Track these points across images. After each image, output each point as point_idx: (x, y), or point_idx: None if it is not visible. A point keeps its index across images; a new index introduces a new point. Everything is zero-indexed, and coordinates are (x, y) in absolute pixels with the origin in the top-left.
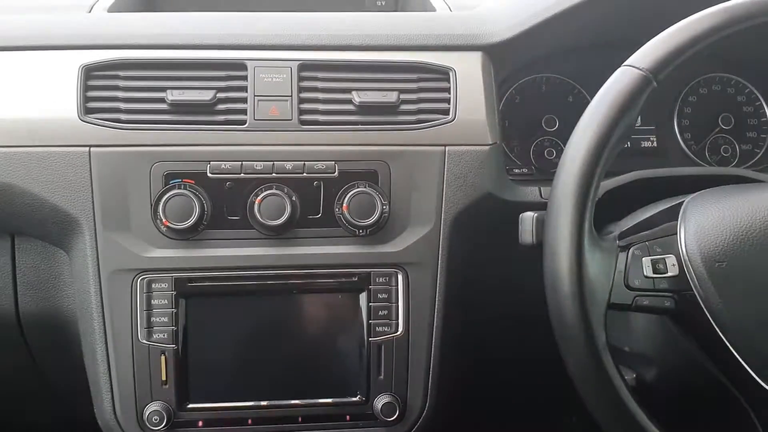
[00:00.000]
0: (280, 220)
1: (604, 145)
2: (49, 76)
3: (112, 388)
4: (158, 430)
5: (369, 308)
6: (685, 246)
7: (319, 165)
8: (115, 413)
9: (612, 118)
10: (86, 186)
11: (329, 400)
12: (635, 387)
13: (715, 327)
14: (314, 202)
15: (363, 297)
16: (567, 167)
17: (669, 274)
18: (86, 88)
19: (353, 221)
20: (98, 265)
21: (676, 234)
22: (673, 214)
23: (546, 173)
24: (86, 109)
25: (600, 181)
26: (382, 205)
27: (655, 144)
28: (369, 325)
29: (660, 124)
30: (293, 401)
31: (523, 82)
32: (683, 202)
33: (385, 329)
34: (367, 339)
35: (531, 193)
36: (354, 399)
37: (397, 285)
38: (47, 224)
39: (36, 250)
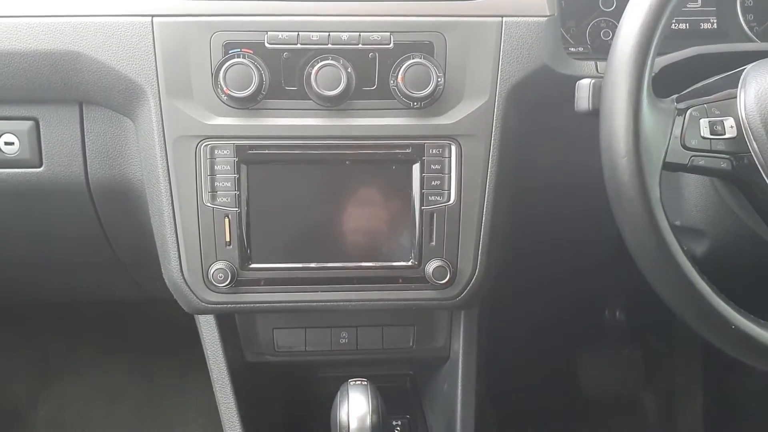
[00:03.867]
0: (336, 91)
1: None
2: None
3: (179, 249)
4: (223, 286)
5: (422, 178)
6: (745, 108)
7: (375, 36)
8: (182, 272)
9: None
10: (149, 54)
11: (383, 263)
12: None
13: None
14: (369, 73)
15: (416, 168)
16: (627, 22)
17: (727, 135)
18: None
19: (408, 93)
20: (163, 131)
21: (735, 98)
22: (733, 81)
23: (602, 52)
24: None
25: (662, 37)
26: (437, 77)
27: (715, 26)
28: (422, 194)
29: (721, 4)
30: (348, 263)
31: None
32: (744, 69)
33: (437, 198)
34: (420, 208)
35: (587, 67)
36: (406, 263)
37: (450, 156)
38: (113, 92)
39: (103, 118)
